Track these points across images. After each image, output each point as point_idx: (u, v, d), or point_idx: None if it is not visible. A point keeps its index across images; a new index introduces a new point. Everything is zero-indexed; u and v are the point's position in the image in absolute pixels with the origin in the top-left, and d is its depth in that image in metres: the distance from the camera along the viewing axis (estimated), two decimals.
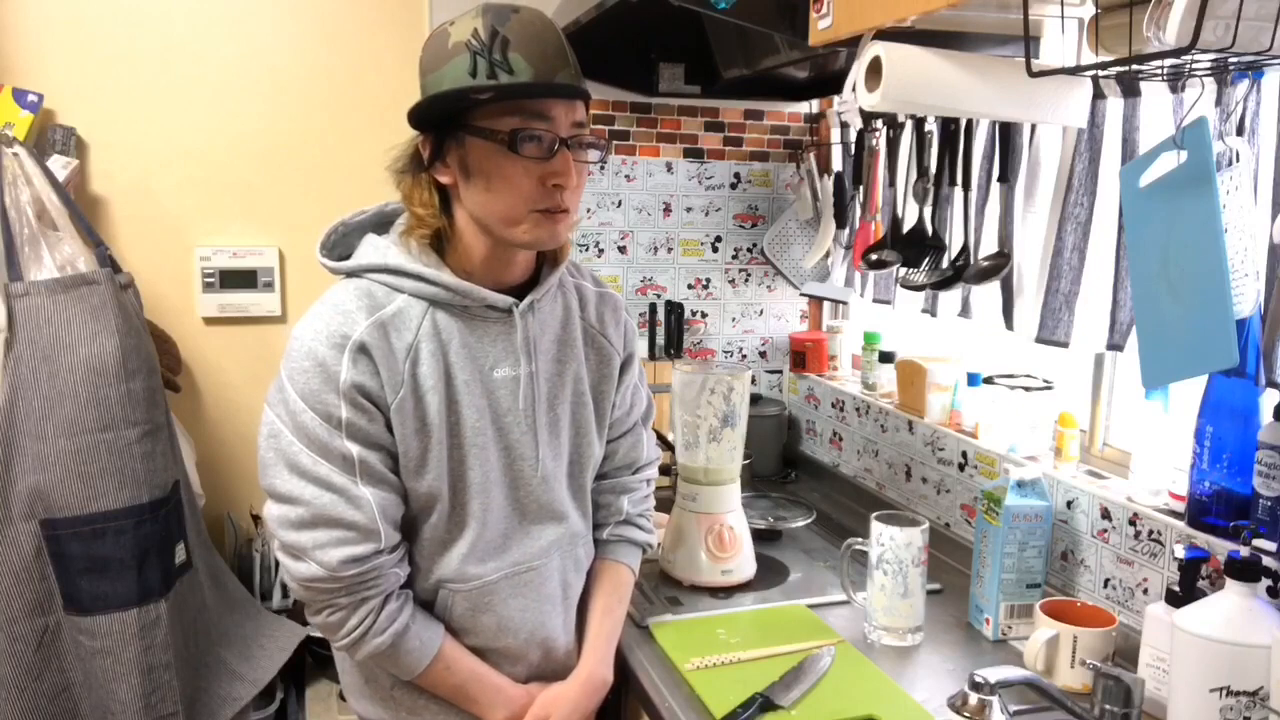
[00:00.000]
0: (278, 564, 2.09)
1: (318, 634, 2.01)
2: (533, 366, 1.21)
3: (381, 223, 1.24)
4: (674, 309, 2.26)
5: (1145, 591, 1.38)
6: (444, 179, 1.14)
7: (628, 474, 1.41)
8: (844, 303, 2.39)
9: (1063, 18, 1.21)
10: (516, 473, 1.22)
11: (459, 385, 1.16)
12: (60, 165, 1.89)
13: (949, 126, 1.68)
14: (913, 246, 1.79)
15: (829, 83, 2.16)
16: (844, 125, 2.19)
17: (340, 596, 1.13)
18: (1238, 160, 1.17)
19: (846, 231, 2.17)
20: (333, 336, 1.11)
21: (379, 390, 1.12)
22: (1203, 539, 1.27)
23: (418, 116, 1.11)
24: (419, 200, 1.15)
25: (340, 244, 1.23)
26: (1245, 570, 1.06)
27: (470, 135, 1.09)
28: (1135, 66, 1.08)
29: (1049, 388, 1.67)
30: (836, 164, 2.23)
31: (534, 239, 1.13)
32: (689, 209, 2.37)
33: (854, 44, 1.33)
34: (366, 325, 1.12)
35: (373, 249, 1.18)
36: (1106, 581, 1.45)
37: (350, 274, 1.18)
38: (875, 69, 1.29)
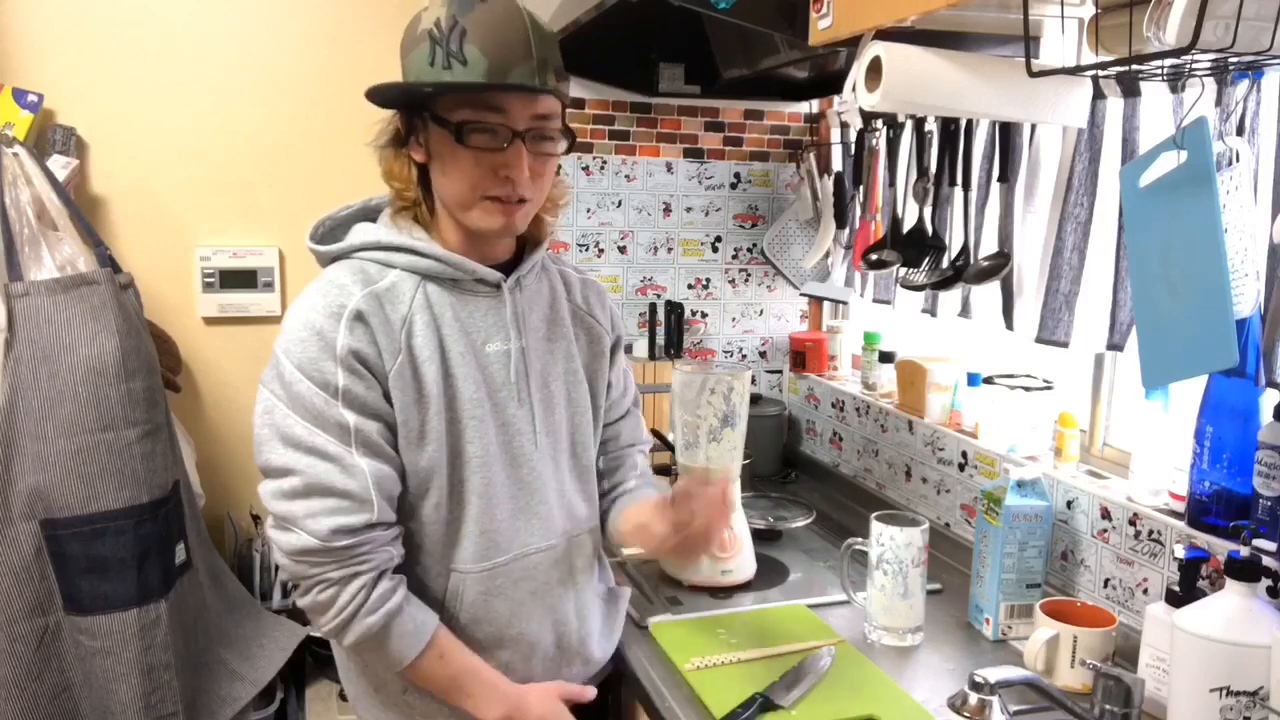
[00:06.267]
0: (278, 564, 2.10)
1: (318, 634, 2.01)
2: (523, 342, 1.22)
3: (367, 216, 1.26)
4: (674, 309, 2.26)
5: (1145, 591, 1.38)
6: (418, 157, 1.17)
7: (634, 450, 1.44)
8: (844, 303, 2.39)
9: (1063, 18, 1.21)
10: (516, 449, 1.22)
11: (454, 357, 1.17)
12: (60, 165, 1.89)
13: (949, 126, 1.69)
14: (913, 246, 1.79)
15: (829, 83, 2.16)
16: (844, 125, 2.19)
17: (331, 570, 1.10)
18: (1238, 160, 1.17)
19: (846, 231, 2.17)
20: (329, 307, 1.12)
21: (376, 358, 1.12)
22: (1203, 539, 1.27)
23: (378, 100, 1.13)
24: (397, 174, 1.18)
25: (328, 237, 1.24)
26: (1245, 570, 1.06)
27: (430, 121, 1.12)
28: (1135, 66, 1.08)
29: (1049, 388, 1.67)
30: (836, 164, 2.23)
31: (485, 225, 1.15)
32: (689, 209, 2.37)
33: (854, 44, 1.33)
34: (362, 295, 1.13)
35: (362, 231, 1.21)
36: (1106, 581, 1.45)
37: (342, 256, 1.20)
38: (875, 69, 1.29)
